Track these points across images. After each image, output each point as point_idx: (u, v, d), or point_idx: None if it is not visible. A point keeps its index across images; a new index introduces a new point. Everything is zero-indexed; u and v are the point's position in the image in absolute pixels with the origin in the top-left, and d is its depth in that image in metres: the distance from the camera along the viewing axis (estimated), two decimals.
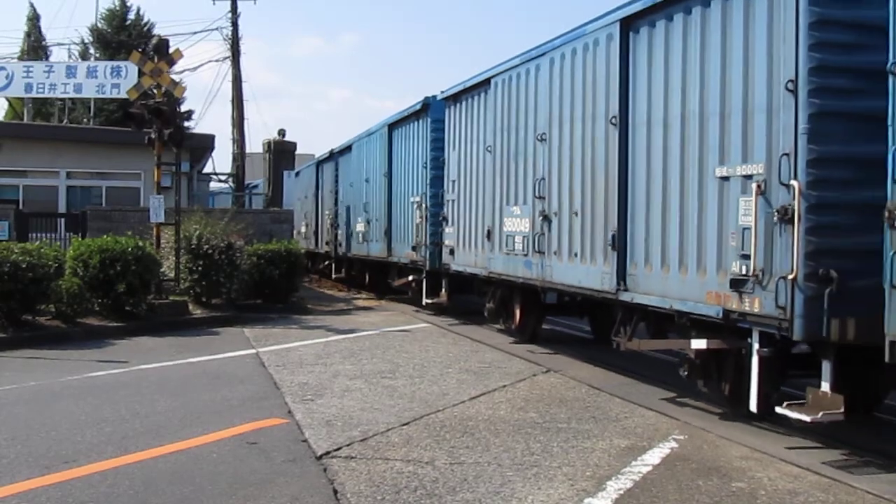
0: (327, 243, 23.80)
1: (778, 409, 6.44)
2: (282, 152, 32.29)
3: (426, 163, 15.21)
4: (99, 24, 39.53)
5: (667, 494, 5.25)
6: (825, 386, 6.18)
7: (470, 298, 14.59)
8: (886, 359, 5.31)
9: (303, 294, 18.48)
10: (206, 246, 14.88)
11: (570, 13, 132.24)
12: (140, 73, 15.05)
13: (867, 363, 6.01)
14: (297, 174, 30.41)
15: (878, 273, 5.39)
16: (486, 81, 12.21)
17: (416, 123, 16.05)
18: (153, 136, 14.68)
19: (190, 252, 14.94)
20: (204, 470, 5.67)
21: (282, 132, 33.36)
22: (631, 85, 8.46)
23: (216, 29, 36.36)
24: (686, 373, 7.67)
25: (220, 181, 35.56)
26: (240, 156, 30.71)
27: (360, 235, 19.96)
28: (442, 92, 14.35)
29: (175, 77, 15.67)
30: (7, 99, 33.97)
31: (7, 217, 16.87)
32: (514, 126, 11.27)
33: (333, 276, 23.56)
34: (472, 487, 5.32)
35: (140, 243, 13.64)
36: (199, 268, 14.87)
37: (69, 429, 6.76)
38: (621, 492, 5.29)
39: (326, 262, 24.73)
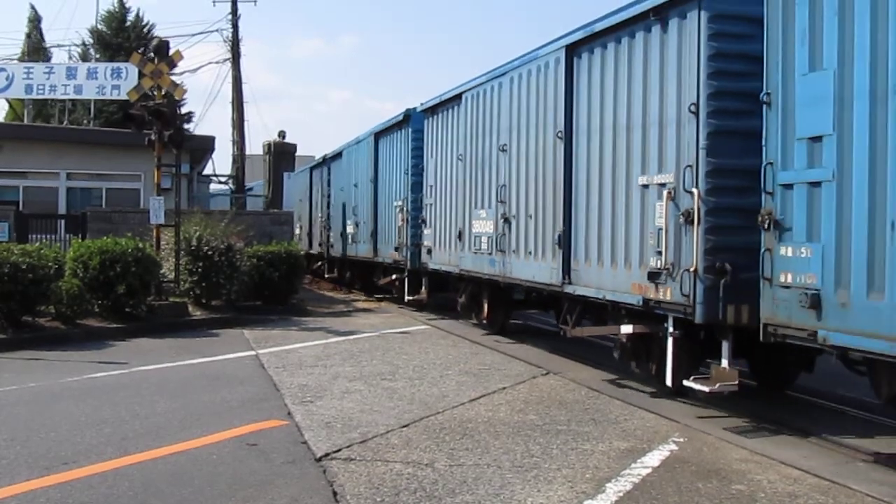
0: (320, 244, 24.85)
1: (685, 383, 7.55)
2: (282, 154, 32.26)
3: (407, 169, 16.26)
4: (99, 26, 39.56)
5: (666, 497, 5.25)
6: (724, 363, 7.31)
7: (449, 296, 15.26)
8: (761, 339, 6.48)
9: (302, 296, 18.49)
10: (206, 247, 14.89)
11: (569, 13, 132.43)
12: (140, 75, 15.06)
13: (779, 349, 6.90)
14: (294, 178, 30.57)
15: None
16: (459, 96, 13.38)
17: (398, 133, 17.04)
18: (153, 137, 14.69)
19: (190, 253, 14.95)
20: (203, 471, 5.68)
21: (282, 134, 33.35)
22: (574, 102, 9.70)
23: (216, 30, 36.52)
24: (619, 355, 8.89)
25: (220, 182, 35.57)
26: (240, 157, 30.73)
27: (350, 237, 20.98)
28: (422, 104, 15.43)
29: (175, 79, 15.68)
30: (7, 100, 34.02)
31: (7, 218, 16.86)
32: (481, 137, 12.49)
33: (326, 275, 24.44)
34: (472, 489, 5.33)
35: (140, 245, 13.65)
36: (199, 269, 14.88)
37: (69, 430, 6.76)
38: (621, 494, 5.29)
39: (319, 263, 25.44)
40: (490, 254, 11.96)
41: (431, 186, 14.86)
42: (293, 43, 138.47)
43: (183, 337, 12.75)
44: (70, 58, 38.97)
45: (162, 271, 14.58)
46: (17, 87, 26.67)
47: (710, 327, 7.49)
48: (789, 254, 6.30)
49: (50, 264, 12.09)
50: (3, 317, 11.72)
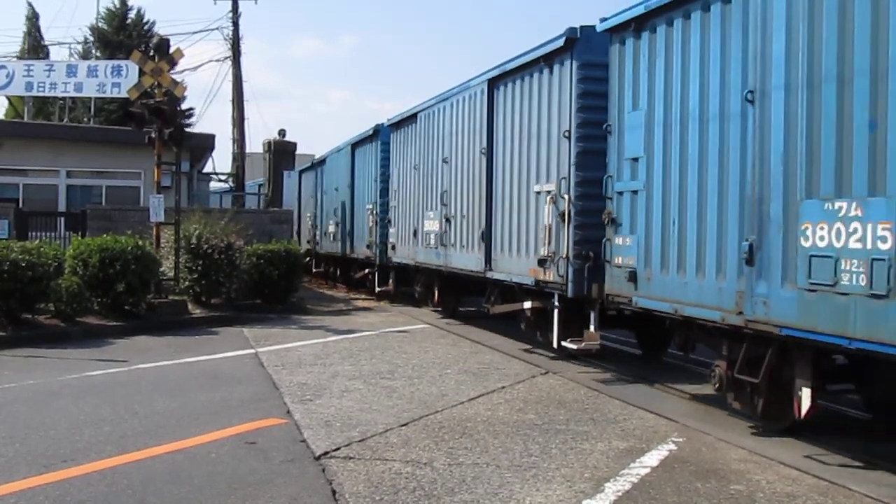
0: (308, 242, 27.14)
1: (562, 343, 10.01)
2: (282, 152, 32.18)
3: (376, 177, 18.59)
4: (100, 24, 39.53)
5: (665, 497, 5.25)
6: (591, 328, 9.75)
7: (413, 288, 17.17)
8: (605, 305, 9.23)
9: (302, 294, 18.48)
10: (206, 246, 14.89)
11: (569, 13, 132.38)
12: (141, 73, 15.06)
13: (656, 324, 9.14)
14: (288, 179, 30.65)
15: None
16: (415, 115, 15.72)
17: (370, 145, 19.38)
18: (153, 135, 14.70)
19: (189, 252, 14.95)
20: (202, 470, 5.67)
21: (282, 132, 33.27)
22: (494, 124, 12.12)
23: (217, 28, 36.48)
24: (524, 326, 11.53)
25: (220, 181, 35.53)
26: (240, 156, 30.69)
27: (332, 235, 23.31)
28: (388, 120, 17.79)
29: (175, 77, 15.67)
30: (7, 98, 33.97)
31: (7, 216, 16.86)
32: (431, 150, 14.83)
33: (313, 269, 26.69)
34: (471, 488, 5.33)
35: (140, 243, 13.64)
36: (199, 267, 14.88)
37: (68, 428, 6.76)
38: (619, 494, 5.29)
39: (307, 259, 26.54)
40: (436, 248, 14.33)
41: (395, 191, 17.11)
42: (292, 42, 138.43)
43: (182, 335, 12.75)
44: (71, 56, 38.94)
45: (161, 269, 14.58)
46: (18, 85, 26.66)
47: (580, 301, 9.74)
48: (620, 242, 8.74)
49: (50, 262, 12.09)
50: (3, 314, 11.71)
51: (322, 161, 25.48)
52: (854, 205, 5.57)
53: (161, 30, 39.78)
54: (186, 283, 15.07)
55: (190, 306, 14.80)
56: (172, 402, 7.87)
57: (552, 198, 10.01)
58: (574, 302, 9.85)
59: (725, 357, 7.25)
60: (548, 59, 10.34)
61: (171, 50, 15.22)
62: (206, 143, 25.38)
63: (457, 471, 5.70)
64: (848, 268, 5.55)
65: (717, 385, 7.40)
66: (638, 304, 8.30)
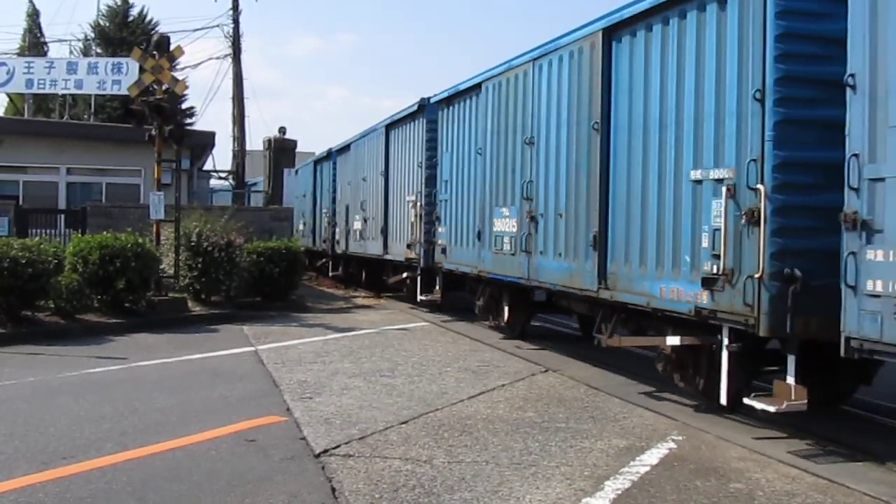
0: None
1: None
2: (282, 150, 32.26)
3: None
4: (100, 21, 39.50)
5: (665, 495, 5.25)
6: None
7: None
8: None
9: (302, 292, 18.47)
10: (206, 243, 14.88)
11: (569, 12, 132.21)
12: (141, 70, 15.03)
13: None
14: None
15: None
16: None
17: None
18: (153, 132, 14.68)
19: (189, 249, 14.94)
20: (202, 467, 5.67)
21: (282, 130, 33.34)
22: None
23: (217, 26, 36.36)
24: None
25: (220, 178, 35.55)
26: (240, 153, 30.71)
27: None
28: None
29: (176, 74, 15.65)
30: (8, 95, 33.98)
31: (7, 213, 16.85)
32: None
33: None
34: (470, 486, 5.32)
35: (140, 240, 13.64)
36: (199, 265, 14.88)
37: (67, 425, 6.76)
38: (619, 492, 5.29)
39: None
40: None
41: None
42: (291, 40, 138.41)
43: (182, 332, 12.75)
44: (71, 53, 38.93)
45: (161, 267, 14.59)
46: (18, 82, 26.68)
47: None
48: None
49: (49, 259, 12.08)
50: (3, 311, 11.71)
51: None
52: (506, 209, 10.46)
53: (161, 27, 39.71)
54: (186, 280, 15.06)
55: (190, 304, 14.80)
56: (172, 399, 7.87)
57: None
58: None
59: None
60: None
61: (172, 47, 15.22)
62: (206, 141, 25.41)
63: (456, 469, 5.70)
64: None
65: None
66: None
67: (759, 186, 6.38)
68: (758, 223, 6.39)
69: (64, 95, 32.34)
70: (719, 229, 6.83)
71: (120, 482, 5.30)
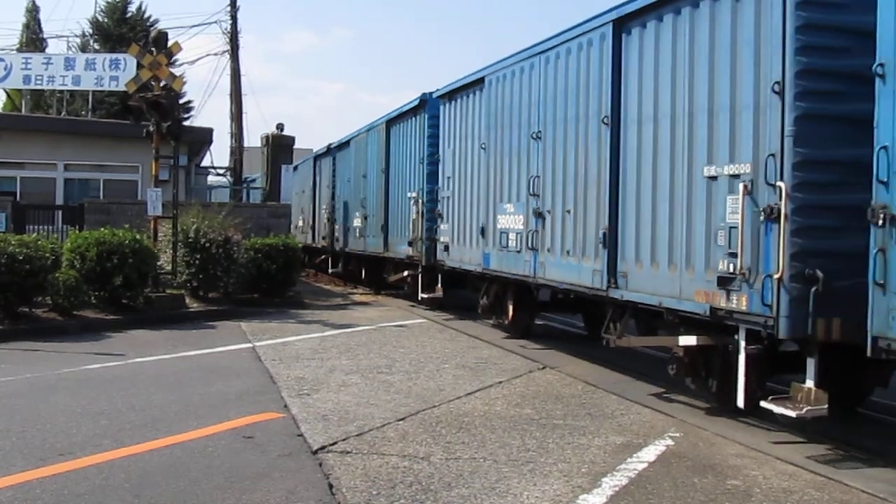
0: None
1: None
2: (280, 146, 32.19)
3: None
4: (99, 17, 39.46)
5: (662, 492, 5.26)
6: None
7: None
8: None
9: (300, 289, 18.47)
10: (204, 239, 14.87)
11: (570, 7, 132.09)
12: (139, 66, 15.01)
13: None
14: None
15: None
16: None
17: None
18: (151, 129, 14.67)
19: (187, 245, 14.93)
20: (199, 463, 5.67)
21: (280, 126, 33.26)
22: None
23: (215, 22, 36.40)
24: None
25: (218, 174, 35.52)
26: (238, 150, 30.66)
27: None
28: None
29: (174, 70, 15.63)
30: (5, 90, 33.91)
31: (4, 209, 16.84)
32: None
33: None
34: (468, 483, 5.32)
35: (137, 236, 13.63)
36: (197, 261, 14.87)
37: (65, 421, 6.75)
38: (616, 488, 5.29)
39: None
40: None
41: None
42: (286, 36, 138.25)
43: (180, 329, 12.74)
44: (69, 49, 38.84)
45: (159, 263, 14.56)
46: (15, 78, 26.59)
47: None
48: None
49: (47, 255, 12.07)
50: (0, 308, 11.69)
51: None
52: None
53: (159, 23, 39.68)
54: (184, 276, 15.05)
55: (187, 300, 14.79)
56: (170, 395, 7.86)
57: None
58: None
59: None
60: None
61: (169, 44, 15.19)
62: (204, 137, 25.36)
63: (454, 465, 5.70)
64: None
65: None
66: None
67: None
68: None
69: (61, 91, 32.26)
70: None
71: (117, 479, 5.29)
